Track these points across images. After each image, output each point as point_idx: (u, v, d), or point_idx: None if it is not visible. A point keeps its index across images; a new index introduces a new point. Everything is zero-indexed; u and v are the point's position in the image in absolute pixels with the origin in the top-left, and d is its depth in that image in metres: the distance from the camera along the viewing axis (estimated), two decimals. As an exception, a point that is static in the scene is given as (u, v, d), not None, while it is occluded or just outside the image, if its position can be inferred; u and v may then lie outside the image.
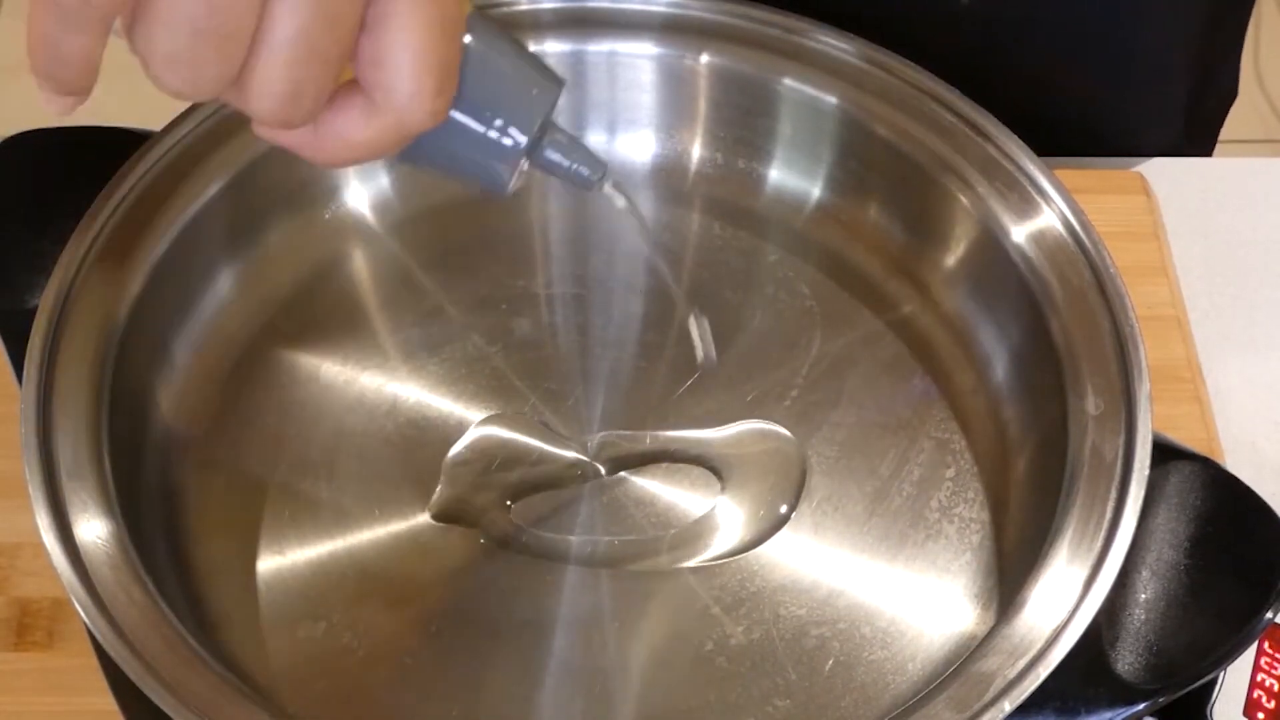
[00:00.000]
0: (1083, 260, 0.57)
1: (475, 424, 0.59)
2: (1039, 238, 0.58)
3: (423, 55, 0.38)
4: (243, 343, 0.60)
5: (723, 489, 0.57)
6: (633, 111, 0.66)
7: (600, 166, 0.46)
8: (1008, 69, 0.70)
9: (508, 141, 0.43)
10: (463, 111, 0.41)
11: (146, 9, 0.36)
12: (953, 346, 0.61)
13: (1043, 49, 0.73)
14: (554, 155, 0.45)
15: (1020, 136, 0.60)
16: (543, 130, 0.44)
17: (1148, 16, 0.73)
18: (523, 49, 0.43)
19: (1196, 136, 0.81)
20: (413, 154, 0.42)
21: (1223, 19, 0.77)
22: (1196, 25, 0.76)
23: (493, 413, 0.59)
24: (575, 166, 0.46)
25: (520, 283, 0.63)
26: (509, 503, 0.57)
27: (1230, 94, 0.82)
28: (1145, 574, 0.52)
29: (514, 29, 0.64)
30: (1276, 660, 0.53)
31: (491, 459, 0.58)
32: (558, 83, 0.44)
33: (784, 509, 0.57)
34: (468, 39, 0.41)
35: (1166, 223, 0.70)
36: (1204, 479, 0.53)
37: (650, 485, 0.57)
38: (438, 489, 0.57)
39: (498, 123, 0.42)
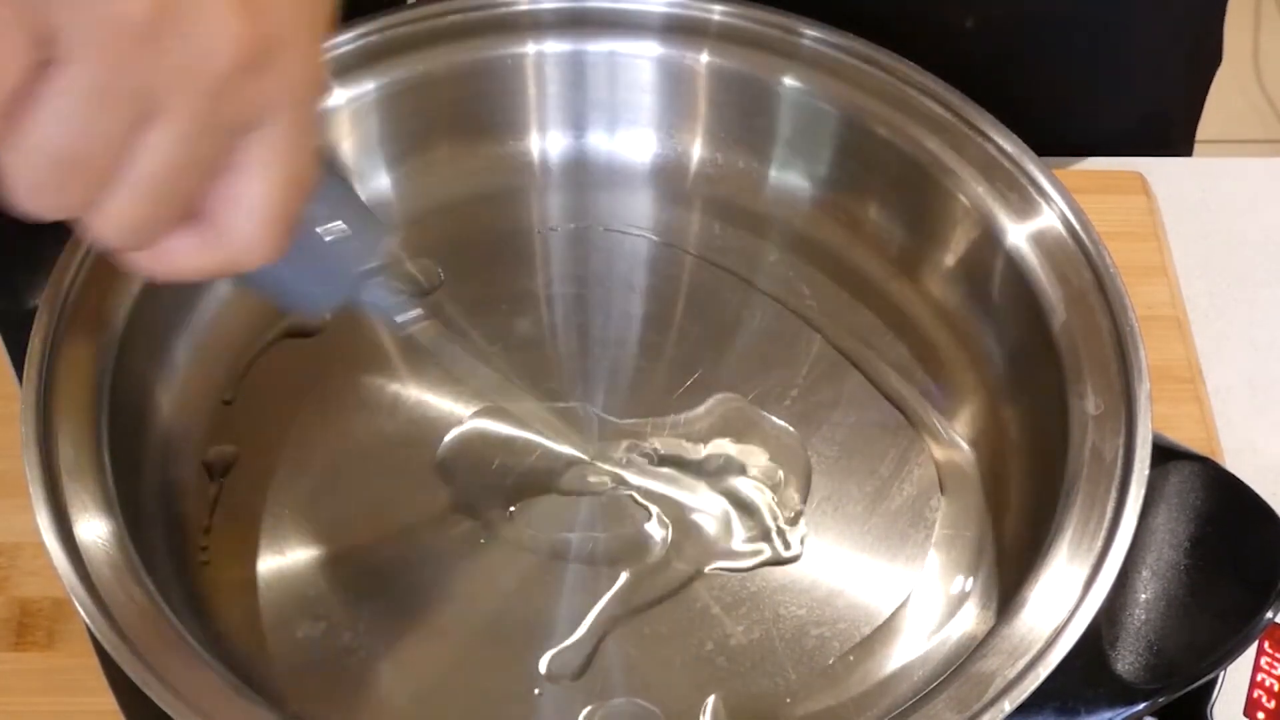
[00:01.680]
0: (1083, 260, 0.57)
1: (470, 415, 0.59)
2: (1039, 238, 0.58)
3: (270, 208, 0.39)
4: (243, 343, 0.60)
5: (723, 489, 0.57)
6: (633, 111, 0.66)
7: (417, 318, 0.50)
8: (1006, 73, 0.70)
9: (330, 285, 0.46)
10: (296, 253, 0.42)
11: (14, 134, 0.36)
12: (953, 346, 0.61)
13: (1040, 54, 0.74)
14: (375, 299, 0.48)
15: (1020, 137, 0.60)
16: (367, 276, 0.47)
17: (1141, 15, 0.73)
18: (358, 198, 0.46)
19: (1188, 110, 0.81)
20: (243, 278, 0.43)
21: (1205, 5, 0.78)
22: (1187, 17, 0.76)
23: (486, 405, 0.59)
24: (392, 313, 0.49)
25: (520, 283, 0.63)
26: (509, 502, 0.57)
27: (1217, 60, 0.82)
28: (1145, 574, 0.52)
29: (514, 29, 0.64)
30: (1276, 660, 0.53)
31: (491, 458, 0.58)
32: (385, 234, 0.47)
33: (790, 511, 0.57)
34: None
35: (1166, 223, 0.70)
36: (1204, 479, 0.53)
37: (650, 485, 0.57)
38: (438, 488, 0.57)
39: (327, 267, 0.45)
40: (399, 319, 0.49)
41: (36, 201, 0.37)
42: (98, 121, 0.36)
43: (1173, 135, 0.81)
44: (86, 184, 0.37)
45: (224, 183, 0.39)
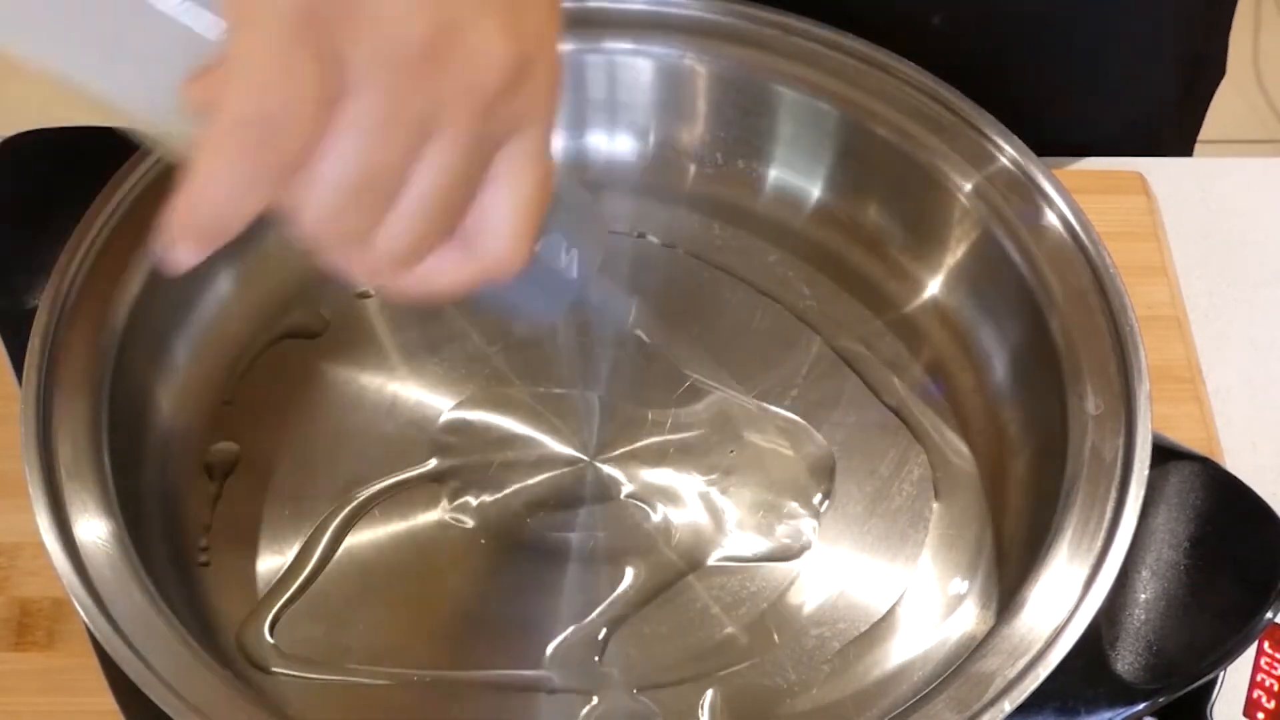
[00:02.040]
0: (1083, 260, 0.57)
1: (471, 415, 0.59)
2: (1039, 238, 0.58)
3: (524, 215, 0.40)
4: (243, 343, 0.60)
5: (724, 489, 0.57)
6: (633, 111, 0.66)
7: (628, 309, 0.51)
8: (1004, 75, 0.70)
9: (566, 289, 0.45)
10: (536, 263, 0.42)
11: (307, 168, 0.36)
12: (953, 346, 0.61)
13: (1035, 56, 0.74)
14: (595, 300, 0.48)
15: (1020, 137, 0.60)
16: (588, 278, 0.46)
17: (1133, 18, 0.73)
18: (585, 195, 0.46)
19: (1186, 120, 0.81)
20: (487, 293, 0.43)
21: (1207, 9, 0.78)
22: (1180, 20, 0.76)
23: (487, 405, 0.59)
24: (612, 313, 0.50)
25: (520, 283, 0.63)
26: (510, 503, 0.57)
27: (1219, 72, 0.82)
28: (1145, 574, 0.52)
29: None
30: (1276, 660, 0.53)
31: (490, 459, 0.58)
32: (604, 232, 0.47)
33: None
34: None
35: (1166, 223, 0.70)
36: (1204, 479, 0.53)
37: (651, 484, 0.57)
38: (438, 489, 0.57)
39: (563, 272, 0.44)
40: (619, 318, 0.49)
41: (323, 231, 0.38)
42: (386, 148, 0.36)
43: (1169, 140, 0.81)
44: (373, 209, 0.37)
45: (480, 198, 0.39)
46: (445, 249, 0.40)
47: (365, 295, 0.63)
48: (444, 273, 0.40)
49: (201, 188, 0.36)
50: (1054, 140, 0.68)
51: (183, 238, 0.37)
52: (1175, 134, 0.82)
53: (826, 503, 0.57)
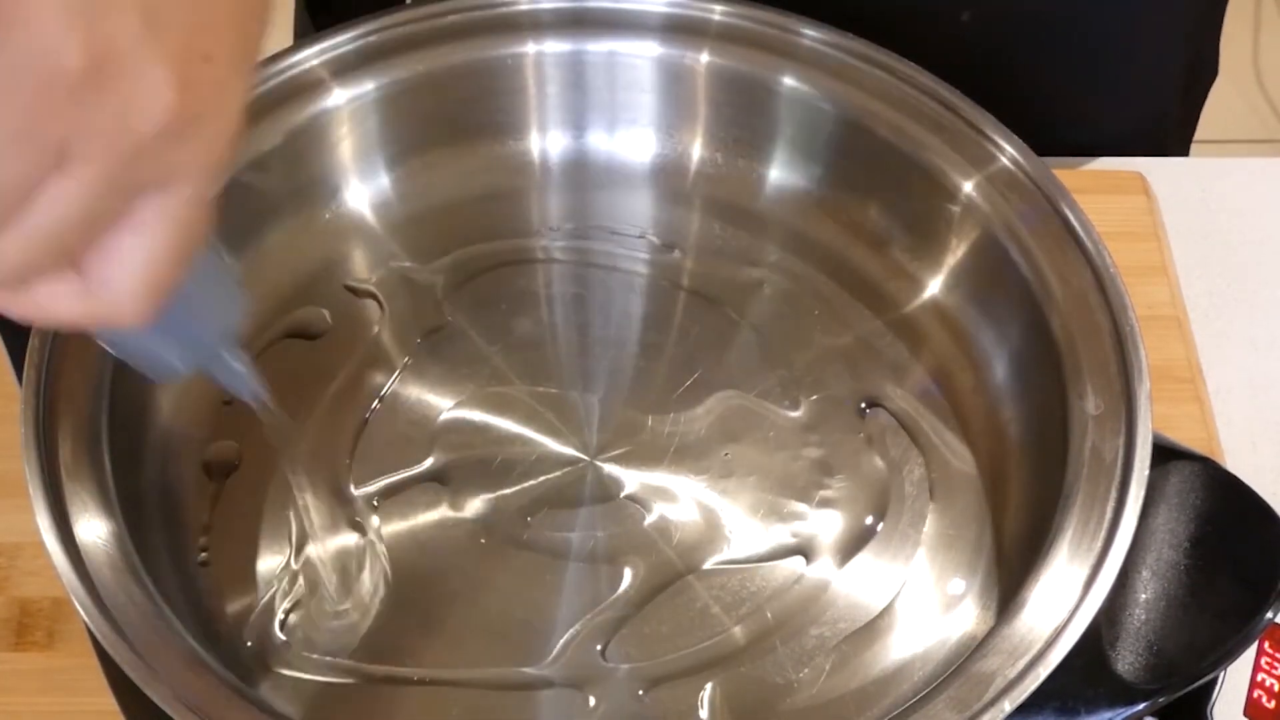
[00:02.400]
0: (1083, 260, 0.57)
1: (471, 414, 0.59)
2: (1039, 238, 0.58)
3: (153, 271, 0.38)
4: (243, 343, 0.60)
5: (723, 489, 0.57)
6: (633, 111, 0.66)
7: (260, 395, 0.49)
8: (1007, 74, 0.70)
9: (186, 357, 0.44)
10: (162, 322, 0.41)
11: None
12: (953, 346, 0.61)
13: (1041, 56, 0.74)
14: (223, 376, 0.47)
15: (1020, 137, 0.60)
16: (222, 347, 0.47)
17: (1143, 19, 0.73)
18: (224, 265, 0.45)
19: (1185, 120, 0.82)
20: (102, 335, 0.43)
21: (1206, 9, 0.78)
22: (1188, 21, 0.76)
23: (487, 405, 0.59)
24: (239, 388, 0.48)
25: (520, 282, 0.63)
26: (509, 503, 0.57)
27: (1213, 72, 0.82)
28: (1145, 574, 0.52)
29: (514, 29, 0.64)
30: (1276, 660, 0.53)
31: (492, 457, 0.58)
32: (242, 311, 0.46)
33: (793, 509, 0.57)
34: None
35: (1166, 223, 0.71)
36: (1204, 479, 0.53)
37: (651, 484, 0.57)
38: (438, 489, 0.57)
39: (188, 338, 0.44)
40: (245, 393, 0.48)
41: None
42: (8, 165, 0.34)
43: (1169, 140, 0.81)
44: None
45: (111, 237, 0.37)
46: (64, 280, 0.38)
47: (365, 295, 0.63)
48: (55, 303, 0.38)
49: None
50: (1057, 141, 0.68)
51: None
52: (1175, 135, 0.82)
53: (827, 503, 0.57)
